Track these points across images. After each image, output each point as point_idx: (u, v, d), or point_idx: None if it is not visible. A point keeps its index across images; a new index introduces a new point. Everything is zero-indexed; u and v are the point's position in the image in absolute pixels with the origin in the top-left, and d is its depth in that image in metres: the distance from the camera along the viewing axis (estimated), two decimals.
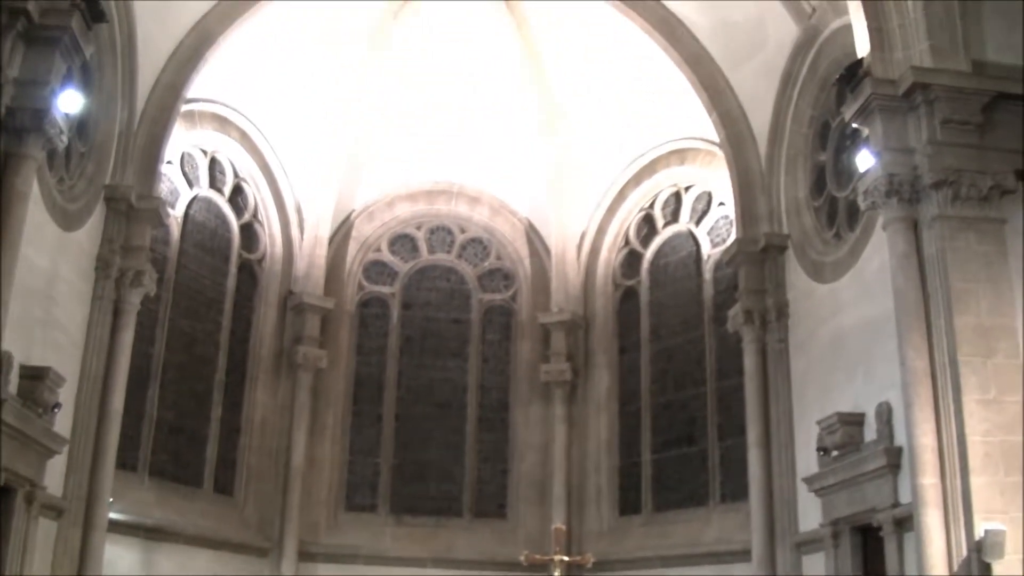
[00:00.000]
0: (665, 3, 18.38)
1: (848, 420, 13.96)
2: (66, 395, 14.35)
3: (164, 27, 16.97)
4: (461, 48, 20.80)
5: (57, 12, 12.47)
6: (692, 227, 20.77)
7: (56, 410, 13.86)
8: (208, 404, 19.28)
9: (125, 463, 16.91)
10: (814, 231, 16.32)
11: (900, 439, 12.73)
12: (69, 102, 12.86)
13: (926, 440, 11.79)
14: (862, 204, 13.33)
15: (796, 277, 16.57)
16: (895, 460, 12.86)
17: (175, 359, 18.62)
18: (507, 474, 21.51)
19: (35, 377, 13.29)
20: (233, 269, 20.29)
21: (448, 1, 19.95)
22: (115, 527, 16.01)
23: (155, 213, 16.84)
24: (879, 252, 13.60)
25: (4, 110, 12.01)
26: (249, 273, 20.72)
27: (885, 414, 13.23)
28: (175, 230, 19.01)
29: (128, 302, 16.27)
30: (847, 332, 14.67)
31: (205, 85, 18.40)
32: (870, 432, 13.64)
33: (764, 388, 16.73)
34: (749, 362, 17.05)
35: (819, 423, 14.59)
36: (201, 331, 19.38)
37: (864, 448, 13.66)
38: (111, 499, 15.65)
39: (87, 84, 14.85)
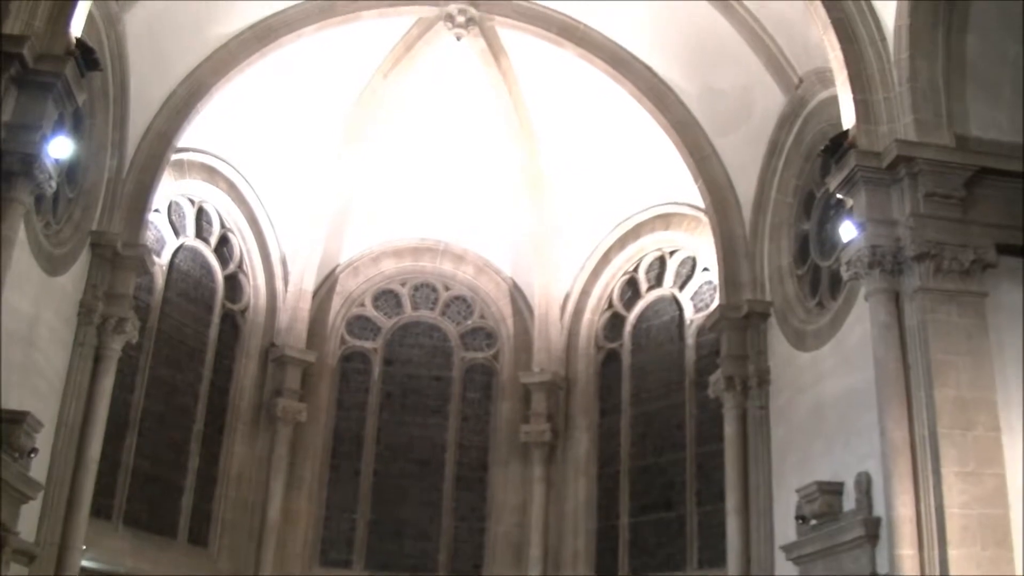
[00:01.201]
0: (655, 70, 18.57)
1: (827, 489, 13.88)
2: (43, 441, 14.18)
3: (157, 77, 17.04)
4: (450, 108, 20.94)
5: (52, 58, 12.57)
6: (676, 292, 20.78)
7: (32, 455, 13.68)
8: (185, 454, 19.13)
9: (100, 511, 16.73)
10: (797, 299, 16.32)
11: (879, 509, 12.69)
12: (59, 148, 12.86)
13: (905, 511, 11.77)
14: (845, 274, 13.37)
15: (778, 344, 16.55)
16: (873, 530, 12.77)
17: (154, 408, 18.49)
18: (484, 534, 21.35)
19: (13, 421, 13.10)
20: (216, 319, 20.23)
21: (438, 63, 20.09)
22: (87, 575, 15.78)
23: (140, 261, 16.79)
24: (861, 322, 13.61)
25: None
26: (232, 324, 20.66)
27: (864, 484, 13.17)
28: (159, 278, 18.98)
29: (109, 349, 16.17)
30: (828, 401, 14.63)
31: (195, 135, 18.47)
32: (849, 502, 13.55)
33: (744, 455, 16.64)
34: (729, 428, 16.97)
35: (798, 491, 14.50)
36: (181, 380, 19.28)
37: (843, 518, 13.58)
38: (84, 547, 15.43)
39: (78, 130, 14.86)
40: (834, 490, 13.84)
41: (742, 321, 17.18)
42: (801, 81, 16.14)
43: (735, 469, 16.70)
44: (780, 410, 16.20)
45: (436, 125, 21.20)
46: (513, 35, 19.56)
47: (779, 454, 16.01)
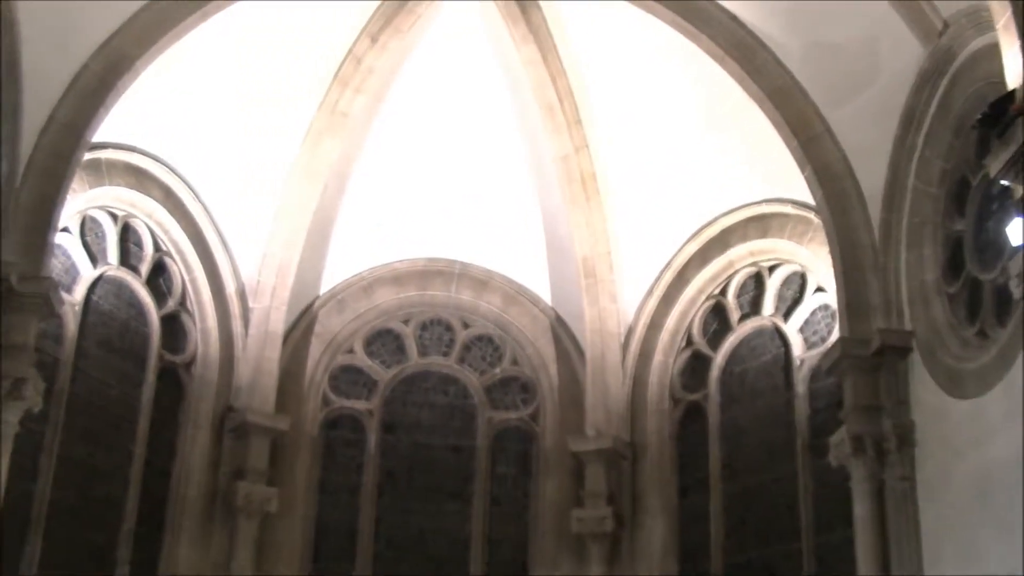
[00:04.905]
0: (742, 20, 18.45)
1: None
2: None
3: (60, 49, 16.85)
4: (464, 83, 21.15)
5: None
6: (779, 321, 20.56)
7: None
8: (111, 564, 18.86)
9: None
10: (948, 327, 15.94)
11: None
12: None
13: None
14: (1015, 291, 12.98)
15: (924, 390, 16.18)
16: None
17: (66, 501, 18.20)
18: None
19: None
20: (151, 376, 20.06)
21: (445, 21, 20.34)
22: None
23: (44, 299, 16.48)
24: None
25: None
26: (173, 382, 20.53)
27: None
28: (71, 323, 18.72)
29: (3, 421, 15.89)
30: (998, 467, 14.15)
31: (116, 127, 18.34)
32: None
33: (882, 544, 16.19)
34: (860, 508, 16.56)
35: None
36: (104, 462, 19.08)
37: None
38: None
39: None
40: None
41: (872, 359, 16.82)
42: (947, 26, 15.77)
43: (871, 564, 16.29)
44: (930, 481, 15.82)
45: (446, 106, 21.38)
46: None
47: (932, 542, 15.60)
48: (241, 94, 19.98)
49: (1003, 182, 13.07)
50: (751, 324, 21.06)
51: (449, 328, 22.99)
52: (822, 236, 18.41)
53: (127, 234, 20.04)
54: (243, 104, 20.10)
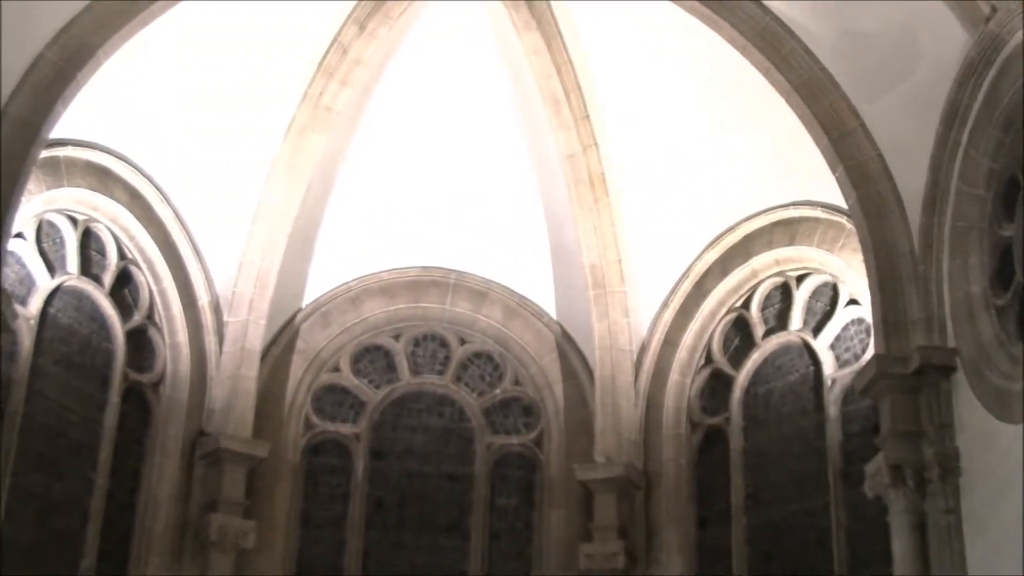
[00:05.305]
0: (768, 6, 18.33)
1: None
2: None
3: (14, 37, 16.52)
4: (460, 75, 21.17)
5: None
6: (808, 337, 20.41)
7: None
8: None
9: None
10: (996, 344, 15.65)
11: None
12: None
13: None
14: None
15: (970, 414, 15.92)
16: None
17: (21, 536, 17.91)
18: None
19: None
20: (114, 398, 19.83)
21: (440, 7, 20.33)
22: None
23: None
24: None
25: None
26: (139, 404, 20.32)
27: None
28: (26, 338, 18.50)
29: None
30: None
31: (77, 122, 18.24)
32: None
33: None
34: (900, 544, 16.27)
35: None
36: (62, 493, 18.84)
37: None
38: None
39: None
40: None
41: (912, 379, 16.58)
42: (994, 11, 15.47)
43: None
44: (977, 514, 15.54)
45: (441, 100, 21.38)
46: None
47: None
48: (215, 86, 19.86)
49: None
50: (777, 340, 20.94)
51: (444, 344, 22.88)
52: (855, 243, 18.28)
53: (88, 240, 19.87)
54: (217, 97, 19.99)
